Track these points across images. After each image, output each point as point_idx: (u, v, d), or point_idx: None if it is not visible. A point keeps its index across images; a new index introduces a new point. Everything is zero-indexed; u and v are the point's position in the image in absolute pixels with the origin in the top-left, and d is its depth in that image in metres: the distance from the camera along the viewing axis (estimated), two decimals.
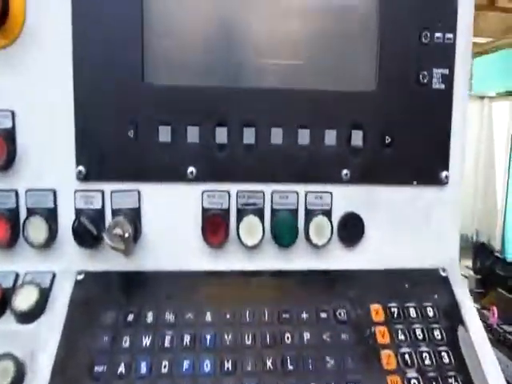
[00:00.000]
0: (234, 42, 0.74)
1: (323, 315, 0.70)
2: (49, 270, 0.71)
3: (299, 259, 0.76)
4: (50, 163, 0.72)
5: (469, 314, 0.73)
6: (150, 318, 0.67)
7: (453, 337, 0.70)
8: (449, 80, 0.76)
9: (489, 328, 2.45)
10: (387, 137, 0.75)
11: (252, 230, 0.73)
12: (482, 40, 3.15)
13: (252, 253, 0.75)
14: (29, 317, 0.66)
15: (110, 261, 0.72)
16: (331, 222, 0.75)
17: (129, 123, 0.71)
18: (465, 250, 2.92)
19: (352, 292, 0.73)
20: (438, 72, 0.75)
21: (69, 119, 0.71)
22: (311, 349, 0.66)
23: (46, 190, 0.72)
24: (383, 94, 0.75)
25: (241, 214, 0.74)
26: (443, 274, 0.78)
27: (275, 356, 0.65)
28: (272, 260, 0.76)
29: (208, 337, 0.66)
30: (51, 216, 0.71)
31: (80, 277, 0.72)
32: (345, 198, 0.77)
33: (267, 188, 0.75)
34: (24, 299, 0.66)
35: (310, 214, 0.76)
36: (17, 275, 0.71)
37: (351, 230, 0.77)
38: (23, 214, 0.71)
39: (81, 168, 0.71)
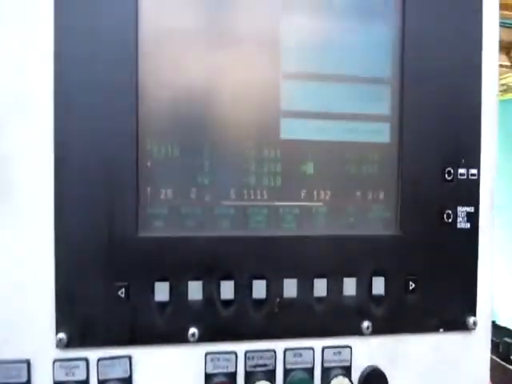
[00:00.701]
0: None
1: None
2: None
3: None
4: (23, 329, 0.60)
5: None
6: None
7: None
8: (474, 218, 0.69)
9: None
10: (411, 282, 0.68)
11: None
12: None
13: None
14: None
15: None
16: (351, 382, 0.66)
17: (119, 280, 0.61)
18: None
19: None
20: (462, 210, 0.69)
21: (48, 276, 0.60)
22: None
23: (17, 361, 0.60)
24: (406, 237, 0.68)
25: (250, 378, 0.64)
26: None
27: None
28: None
29: None
30: None
31: None
32: (366, 351, 0.68)
33: (279, 346, 0.66)
34: None
35: (327, 372, 0.67)
36: None
37: None
38: None
39: (61, 335, 0.60)
